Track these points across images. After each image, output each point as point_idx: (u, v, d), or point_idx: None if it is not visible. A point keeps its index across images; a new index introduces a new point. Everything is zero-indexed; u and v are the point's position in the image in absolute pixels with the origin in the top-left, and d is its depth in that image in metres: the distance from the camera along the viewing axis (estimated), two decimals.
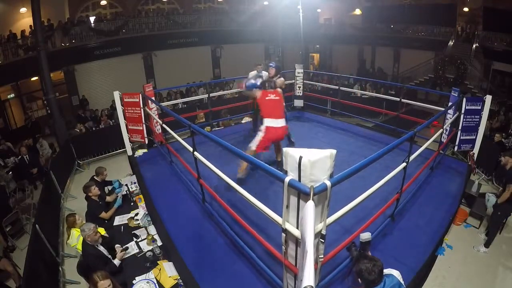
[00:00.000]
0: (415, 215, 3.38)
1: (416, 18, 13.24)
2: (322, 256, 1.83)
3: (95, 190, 3.94)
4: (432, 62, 12.90)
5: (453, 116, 4.43)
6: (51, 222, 4.63)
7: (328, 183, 1.63)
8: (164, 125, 4.36)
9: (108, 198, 4.22)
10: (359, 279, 1.97)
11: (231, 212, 2.88)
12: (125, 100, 4.97)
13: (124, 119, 5.04)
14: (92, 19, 11.95)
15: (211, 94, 6.56)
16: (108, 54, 11.85)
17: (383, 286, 1.92)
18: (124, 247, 3.20)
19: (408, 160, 2.82)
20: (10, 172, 6.42)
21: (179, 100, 8.79)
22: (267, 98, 3.75)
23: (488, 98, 4.34)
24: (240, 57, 14.30)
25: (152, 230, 3.54)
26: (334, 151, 1.73)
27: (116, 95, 4.84)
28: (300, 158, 1.65)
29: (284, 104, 4.11)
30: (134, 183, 4.46)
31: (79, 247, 3.25)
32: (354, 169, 1.90)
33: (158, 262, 3.03)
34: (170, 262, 3.01)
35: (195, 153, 3.07)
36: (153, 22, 12.92)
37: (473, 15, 12.30)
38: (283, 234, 1.90)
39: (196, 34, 13.71)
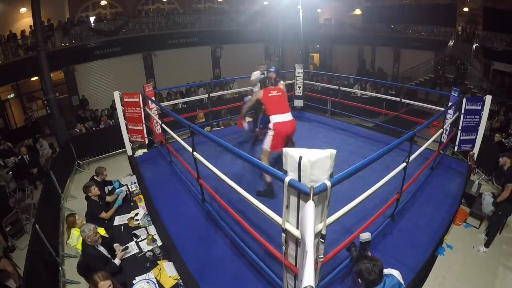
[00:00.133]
0: (415, 215, 3.38)
1: (416, 18, 13.24)
2: (322, 256, 1.83)
3: (95, 190, 3.94)
4: (432, 62, 12.90)
5: (453, 116, 4.43)
6: (51, 222, 4.63)
7: (328, 183, 1.63)
8: (163, 125, 4.36)
9: (108, 198, 4.21)
10: (359, 279, 1.97)
11: (231, 212, 2.88)
12: (125, 100, 4.97)
13: (124, 119, 5.04)
14: (92, 19, 11.96)
15: (211, 94, 6.56)
16: (108, 54, 11.85)
17: (383, 286, 1.92)
18: (124, 246, 3.20)
19: (408, 160, 2.82)
20: (10, 172, 6.42)
21: (179, 100, 8.80)
22: (270, 94, 3.68)
23: (488, 98, 4.34)
24: (240, 57, 14.31)
25: (152, 230, 3.54)
26: (334, 151, 1.73)
27: (116, 95, 4.84)
28: (300, 158, 1.65)
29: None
30: (134, 183, 4.46)
31: (79, 247, 3.25)
32: (354, 169, 1.90)
33: (158, 262, 3.03)
34: (170, 262, 3.01)
35: (195, 153, 3.07)
36: (153, 22, 12.91)
37: (473, 15, 12.30)
38: (283, 234, 1.90)
39: (196, 34, 13.71)
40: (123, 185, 4.50)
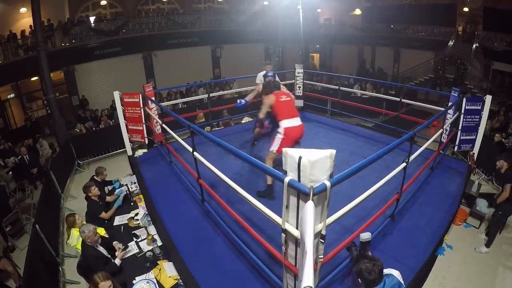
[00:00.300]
0: (415, 215, 3.38)
1: (416, 18, 13.23)
2: (322, 256, 1.83)
3: (95, 191, 3.95)
4: (432, 62, 12.90)
5: (453, 116, 4.43)
6: (51, 222, 4.63)
7: (328, 183, 1.63)
8: (164, 125, 4.36)
9: (108, 198, 4.22)
10: (359, 279, 1.97)
11: (231, 212, 2.88)
12: (125, 100, 4.97)
13: (124, 119, 5.04)
14: (92, 19, 11.96)
15: (211, 94, 6.56)
16: (108, 54, 11.85)
17: (383, 286, 1.92)
18: (124, 246, 3.20)
19: (408, 160, 2.82)
20: (10, 172, 6.42)
21: (179, 100, 8.79)
22: (281, 99, 3.68)
23: (488, 98, 4.34)
24: (240, 57, 14.31)
25: (152, 230, 3.54)
26: (334, 151, 1.73)
27: (116, 95, 4.84)
28: (300, 158, 1.65)
29: None
30: (134, 183, 4.46)
31: (79, 247, 3.25)
32: (354, 169, 1.90)
33: (158, 262, 3.03)
34: (170, 262, 3.01)
35: (195, 153, 3.07)
36: (153, 22, 12.92)
37: (473, 15, 12.29)
38: (283, 234, 1.90)
39: (196, 34, 13.71)
40: (123, 185, 4.50)
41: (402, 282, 2.02)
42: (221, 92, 9.19)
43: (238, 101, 4.93)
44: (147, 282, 2.78)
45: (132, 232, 3.56)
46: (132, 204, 4.15)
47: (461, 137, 4.57)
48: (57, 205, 5.29)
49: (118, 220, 3.85)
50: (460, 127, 4.50)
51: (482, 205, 4.42)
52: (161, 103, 5.62)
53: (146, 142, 5.18)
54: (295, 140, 3.58)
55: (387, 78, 13.62)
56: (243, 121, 7.00)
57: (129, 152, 5.15)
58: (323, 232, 1.76)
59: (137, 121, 5.02)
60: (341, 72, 11.27)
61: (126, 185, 4.48)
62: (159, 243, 3.27)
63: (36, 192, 6.37)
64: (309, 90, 8.60)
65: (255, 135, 5.13)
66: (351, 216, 2.79)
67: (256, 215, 3.03)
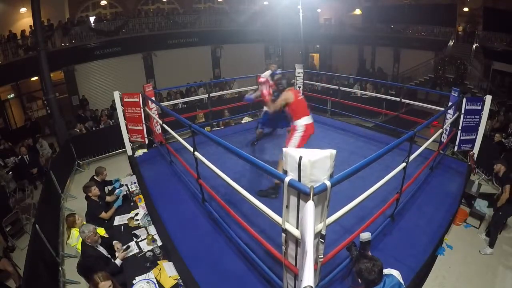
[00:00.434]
0: (415, 215, 3.38)
1: (416, 18, 13.23)
2: (322, 256, 1.83)
3: (95, 191, 3.95)
4: (432, 62, 12.89)
5: (453, 116, 4.43)
6: (51, 222, 4.63)
7: (328, 183, 1.64)
8: (164, 125, 4.36)
9: (108, 198, 4.22)
10: (359, 279, 1.97)
11: (231, 212, 2.88)
12: (125, 100, 4.97)
13: (124, 119, 5.04)
14: (92, 19, 11.95)
15: (211, 94, 6.56)
16: (108, 54, 11.84)
17: (383, 286, 1.92)
18: (125, 246, 3.21)
19: (408, 160, 2.82)
20: (10, 172, 6.42)
21: (179, 100, 8.80)
22: (299, 97, 3.70)
23: (488, 98, 4.34)
24: (240, 57, 14.32)
25: (152, 230, 3.54)
26: (334, 151, 1.73)
27: (116, 95, 4.84)
28: (300, 158, 1.66)
29: None
30: (134, 183, 4.46)
31: (79, 247, 3.25)
32: (354, 169, 1.90)
33: (158, 262, 3.03)
34: (170, 262, 3.01)
35: (196, 153, 3.08)
36: (153, 22, 12.91)
37: (473, 15, 12.29)
38: (283, 234, 1.90)
39: (196, 34, 13.71)
40: (123, 185, 4.51)
41: (402, 282, 2.02)
42: (221, 92, 9.20)
43: (248, 94, 4.90)
44: (147, 282, 2.78)
45: (132, 232, 3.56)
46: (132, 204, 4.15)
47: (461, 137, 4.57)
48: (57, 205, 5.29)
49: (118, 220, 3.85)
50: (460, 127, 4.51)
51: (482, 205, 4.43)
52: (161, 103, 5.63)
53: (146, 142, 5.18)
54: (309, 136, 3.63)
55: (387, 78, 13.61)
56: (243, 121, 7.00)
57: (129, 152, 5.15)
58: (323, 232, 1.76)
59: (137, 121, 5.02)
60: (341, 72, 11.27)
61: (126, 185, 4.48)
62: (159, 243, 3.27)
63: (36, 192, 6.37)
64: (309, 90, 8.61)
65: (257, 135, 5.13)
66: (351, 216, 2.79)
67: (257, 215, 3.03)
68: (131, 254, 3.21)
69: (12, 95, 10.73)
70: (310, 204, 1.51)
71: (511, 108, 8.94)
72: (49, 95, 7.85)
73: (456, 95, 4.52)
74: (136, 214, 3.85)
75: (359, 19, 15.24)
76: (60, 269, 3.87)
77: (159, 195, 3.95)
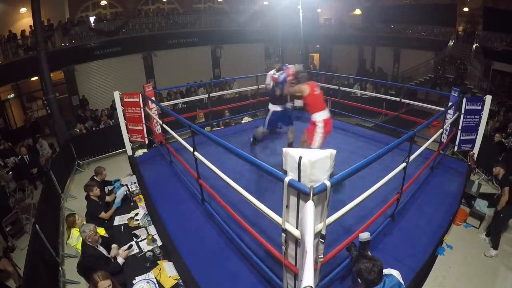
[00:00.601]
0: (415, 215, 3.38)
1: (416, 18, 13.23)
2: (322, 256, 1.83)
3: (96, 191, 3.95)
4: (432, 62, 12.89)
5: (453, 116, 4.43)
6: (51, 222, 4.63)
7: (328, 183, 1.64)
8: (164, 125, 4.36)
9: (108, 198, 4.21)
10: (359, 279, 1.97)
11: (231, 212, 2.88)
12: (125, 100, 4.97)
13: (124, 119, 5.04)
14: (92, 19, 11.95)
15: (211, 94, 6.56)
16: (108, 54, 11.84)
17: (382, 286, 1.92)
18: (128, 245, 3.21)
19: (408, 160, 2.82)
20: (10, 172, 6.42)
21: (179, 100, 8.79)
22: (315, 92, 3.70)
23: (488, 98, 4.34)
24: (240, 57, 14.31)
25: (152, 230, 3.54)
26: (334, 151, 1.74)
27: (116, 95, 4.84)
28: (300, 158, 1.66)
29: None
30: (134, 183, 4.46)
31: (79, 247, 3.25)
32: (354, 169, 1.90)
33: (158, 262, 3.03)
34: (170, 262, 3.01)
35: (195, 153, 3.08)
36: (153, 22, 12.90)
37: (473, 15, 12.29)
38: (283, 234, 1.90)
39: (196, 34, 13.71)
40: (123, 185, 4.51)
41: (402, 282, 2.02)
42: (221, 92, 9.20)
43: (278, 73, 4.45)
44: (147, 282, 2.78)
45: (132, 232, 3.56)
46: (132, 204, 4.15)
47: (461, 137, 4.57)
48: (57, 205, 5.29)
49: (118, 220, 3.84)
50: (460, 127, 4.51)
51: (482, 205, 4.43)
52: (161, 103, 5.63)
53: (146, 142, 5.18)
54: (330, 131, 3.66)
55: (387, 78, 13.61)
56: (243, 121, 7.00)
57: (129, 152, 5.15)
58: (323, 232, 1.76)
59: (137, 121, 5.02)
60: (341, 72, 11.26)
61: (126, 185, 4.48)
62: (159, 243, 3.27)
63: (36, 192, 6.37)
64: None
65: (259, 134, 4.86)
66: (351, 216, 2.79)
67: (256, 215, 3.03)
68: (131, 254, 3.21)
69: (12, 95, 10.73)
70: (310, 204, 1.51)
71: (511, 108, 8.94)
72: (49, 95, 7.85)
73: (456, 95, 4.52)
74: (136, 214, 3.85)
75: (359, 19, 15.24)
76: (60, 269, 3.86)
77: (159, 195, 3.95)
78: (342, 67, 14.96)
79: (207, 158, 2.98)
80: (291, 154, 1.74)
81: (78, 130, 8.10)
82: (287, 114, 4.57)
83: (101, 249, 3.10)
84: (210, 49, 14.45)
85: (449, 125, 4.57)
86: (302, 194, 1.67)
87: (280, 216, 1.91)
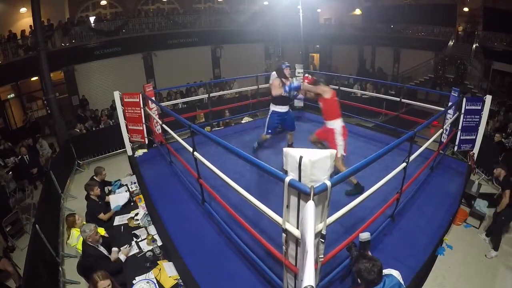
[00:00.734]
0: (415, 215, 3.38)
1: (416, 18, 13.23)
2: (322, 256, 1.83)
3: (97, 191, 3.95)
4: (432, 62, 12.90)
5: (453, 116, 4.43)
6: (51, 222, 4.63)
7: (328, 183, 1.63)
8: (164, 125, 4.36)
9: (108, 199, 4.21)
10: (359, 279, 1.97)
11: (231, 212, 2.88)
12: (125, 100, 4.97)
13: (124, 119, 5.04)
14: (92, 19, 11.95)
15: (211, 94, 6.56)
16: (108, 54, 11.84)
17: (382, 286, 1.92)
18: (127, 245, 3.21)
19: (408, 160, 2.82)
20: (10, 172, 6.42)
21: (179, 100, 8.79)
22: (335, 98, 3.74)
23: (488, 98, 4.34)
24: (240, 57, 14.32)
25: (152, 230, 3.54)
26: (334, 151, 1.74)
27: (116, 95, 4.84)
28: (301, 158, 1.66)
29: None
30: (134, 183, 4.46)
31: (79, 247, 3.25)
32: (354, 169, 1.90)
33: (158, 262, 3.03)
34: (170, 262, 3.01)
35: (195, 153, 3.08)
36: (153, 22, 12.91)
37: (473, 15, 12.29)
38: (284, 234, 1.90)
39: (196, 34, 13.71)
40: (123, 185, 4.50)
41: (402, 282, 2.02)
42: (221, 92, 9.19)
43: (292, 81, 4.28)
44: (147, 282, 2.78)
45: (132, 232, 3.56)
46: (132, 204, 4.15)
47: (461, 137, 4.57)
48: (57, 205, 5.29)
49: (118, 220, 3.84)
50: (460, 127, 4.51)
51: (482, 205, 4.43)
52: (161, 103, 5.63)
53: (146, 142, 5.18)
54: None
55: (387, 78, 13.61)
56: (243, 121, 7.00)
57: (129, 152, 5.15)
58: (324, 232, 1.76)
59: (137, 121, 5.02)
60: (341, 72, 11.27)
61: (126, 185, 4.48)
62: (159, 243, 3.27)
63: (36, 192, 6.37)
64: None
65: (263, 139, 4.67)
66: (351, 216, 2.79)
67: (257, 215, 3.03)
68: (131, 254, 3.21)
69: (12, 95, 10.73)
70: (310, 204, 1.51)
71: (511, 108, 8.95)
72: (49, 95, 7.85)
73: (456, 95, 4.52)
74: (136, 214, 3.85)
75: (359, 19, 15.24)
76: (60, 269, 3.86)
77: (159, 195, 3.95)
78: (342, 67, 14.97)
79: (207, 158, 2.98)
80: (292, 154, 1.74)
81: (78, 130, 8.10)
82: (288, 117, 4.56)
83: (102, 249, 3.10)
84: (210, 49, 14.46)
85: (449, 125, 4.57)
86: (302, 194, 1.67)
87: (281, 216, 1.91)
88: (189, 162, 3.68)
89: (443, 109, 4.50)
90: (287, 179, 1.70)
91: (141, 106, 4.91)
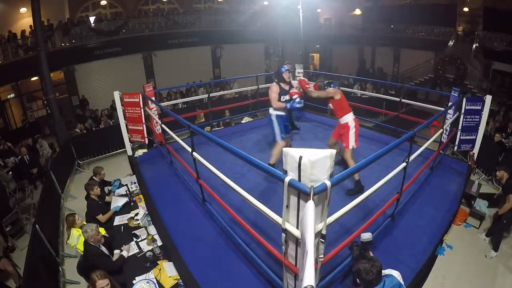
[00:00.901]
0: (415, 215, 3.38)
1: (416, 18, 13.23)
2: (322, 256, 1.83)
3: (97, 191, 3.95)
4: (432, 62, 12.89)
5: (453, 116, 4.43)
6: (51, 222, 4.62)
7: (328, 183, 1.63)
8: (163, 126, 4.36)
9: (108, 199, 4.22)
10: (358, 279, 1.97)
11: (231, 213, 2.88)
12: (125, 100, 4.97)
13: (124, 119, 5.04)
14: (92, 19, 11.96)
15: (211, 94, 6.56)
16: (108, 54, 11.85)
17: (382, 287, 1.92)
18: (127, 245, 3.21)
19: (408, 160, 2.82)
20: (10, 172, 6.42)
21: (179, 100, 8.80)
22: (343, 96, 3.98)
23: (488, 98, 4.34)
24: (240, 57, 14.31)
25: (152, 230, 3.54)
26: (334, 151, 1.74)
27: (116, 95, 4.84)
28: (300, 158, 1.66)
29: None
30: (134, 183, 4.46)
31: (79, 247, 3.24)
32: (354, 169, 1.90)
33: (158, 262, 3.03)
34: (170, 262, 3.01)
35: (194, 153, 3.08)
36: (153, 22, 12.91)
37: (473, 15, 12.29)
38: (283, 234, 1.90)
39: (196, 34, 13.72)
40: (123, 185, 4.50)
41: (402, 282, 2.02)
42: (221, 92, 9.20)
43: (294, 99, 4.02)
44: (147, 282, 2.78)
45: (132, 232, 3.56)
46: (132, 204, 4.15)
47: (461, 137, 4.57)
48: (57, 205, 5.28)
49: (118, 220, 3.84)
50: (460, 127, 4.50)
51: (482, 205, 4.42)
52: (161, 103, 5.63)
53: (146, 142, 5.18)
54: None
55: (387, 78, 13.61)
56: (243, 121, 7.00)
57: (129, 152, 5.15)
58: (324, 232, 1.76)
59: (137, 121, 5.02)
60: (341, 72, 11.27)
61: (126, 185, 4.48)
62: (159, 243, 3.27)
63: (36, 192, 6.37)
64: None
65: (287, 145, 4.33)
66: (351, 216, 2.79)
67: (257, 215, 3.03)
68: (131, 254, 3.21)
69: (12, 95, 10.73)
70: (310, 204, 1.51)
71: (511, 108, 8.94)
72: (49, 95, 7.85)
73: (456, 95, 4.52)
74: (136, 214, 3.85)
75: (359, 19, 15.24)
76: (60, 269, 3.86)
77: (159, 195, 3.95)
78: (342, 67, 14.97)
79: (207, 158, 2.98)
80: (291, 154, 1.74)
81: (78, 130, 8.10)
82: (288, 120, 4.55)
83: (103, 249, 3.09)
84: (210, 49, 14.46)
85: (449, 125, 4.57)
86: (302, 194, 1.67)
87: (280, 216, 1.91)
88: (189, 162, 3.68)
89: (443, 109, 4.50)
90: (287, 179, 1.70)
91: (141, 106, 4.91)
